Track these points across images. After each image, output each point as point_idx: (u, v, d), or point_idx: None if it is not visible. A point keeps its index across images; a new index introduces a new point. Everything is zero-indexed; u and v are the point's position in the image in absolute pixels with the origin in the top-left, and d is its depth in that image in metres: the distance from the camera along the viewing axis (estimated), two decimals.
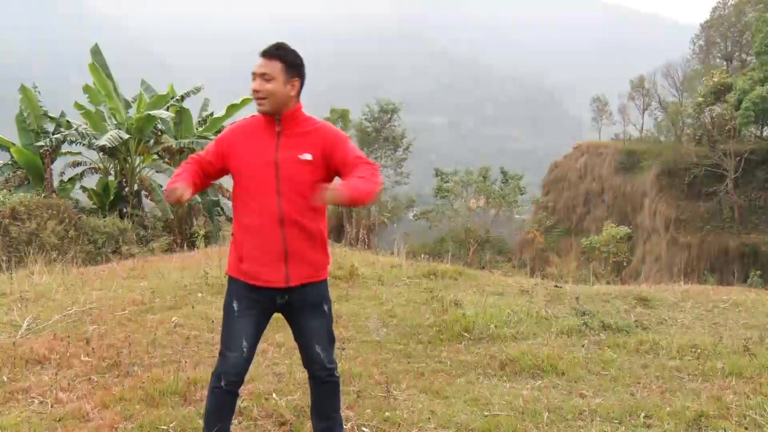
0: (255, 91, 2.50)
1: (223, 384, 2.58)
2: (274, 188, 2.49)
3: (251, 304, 2.59)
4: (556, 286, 7.21)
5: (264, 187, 2.50)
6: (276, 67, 2.49)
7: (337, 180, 2.58)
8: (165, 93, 17.56)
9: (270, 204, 2.49)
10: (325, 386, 2.74)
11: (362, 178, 2.44)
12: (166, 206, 15.62)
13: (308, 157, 2.52)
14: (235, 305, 2.59)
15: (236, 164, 2.56)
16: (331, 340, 2.73)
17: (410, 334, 5.04)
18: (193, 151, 16.93)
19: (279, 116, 2.54)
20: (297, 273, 2.55)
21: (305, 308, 2.64)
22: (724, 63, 44.61)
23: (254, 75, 2.51)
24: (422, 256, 9.88)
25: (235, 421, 3.17)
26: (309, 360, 2.72)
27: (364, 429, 3.20)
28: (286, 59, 2.51)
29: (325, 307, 2.68)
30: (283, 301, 2.60)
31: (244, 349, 2.58)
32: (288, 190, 2.50)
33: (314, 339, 2.67)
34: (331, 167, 2.57)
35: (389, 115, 30.72)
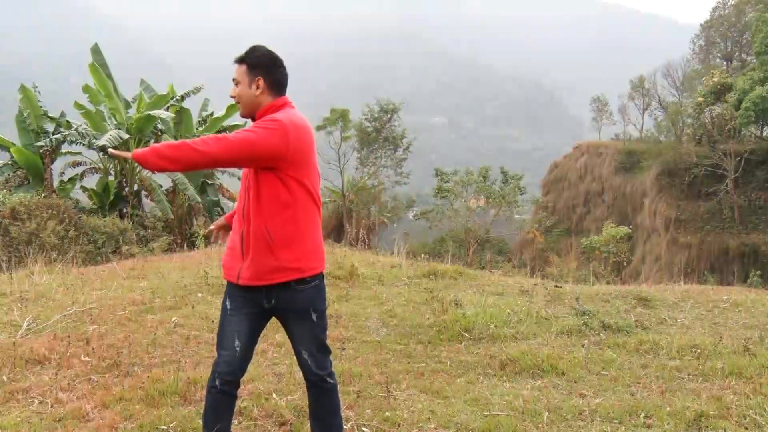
0: (231, 97, 2.63)
1: (217, 383, 2.59)
2: (245, 187, 2.59)
3: (243, 303, 2.60)
4: (556, 286, 7.20)
5: (242, 186, 2.62)
6: (241, 71, 2.57)
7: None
8: (165, 93, 17.57)
9: (242, 202, 2.59)
10: (315, 390, 2.72)
11: (176, 141, 2.36)
12: (166, 206, 15.62)
13: None
14: (228, 303, 2.62)
15: None
16: (320, 347, 2.65)
17: (410, 334, 5.04)
18: None
19: (254, 118, 2.60)
20: (247, 272, 2.55)
21: (291, 314, 2.62)
22: (724, 63, 44.61)
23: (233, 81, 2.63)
24: (422, 256, 9.87)
25: (235, 421, 3.17)
26: (299, 364, 2.72)
27: (364, 429, 3.20)
28: (248, 61, 2.57)
29: (313, 315, 2.60)
30: (270, 306, 2.59)
31: (237, 348, 2.57)
32: (251, 189, 2.55)
33: (300, 344, 2.65)
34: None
35: (389, 115, 30.70)
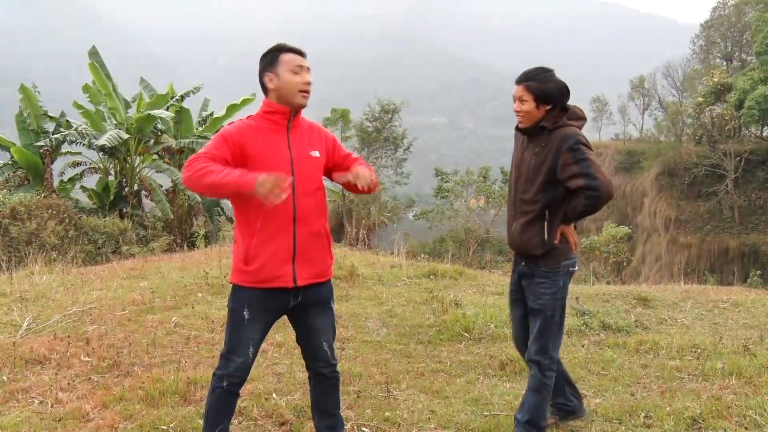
0: (308, 84, 2.55)
1: (225, 384, 2.59)
2: (290, 186, 2.48)
3: (264, 312, 2.58)
4: None
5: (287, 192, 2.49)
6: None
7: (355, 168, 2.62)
8: (165, 93, 17.55)
9: (285, 202, 2.47)
10: (328, 382, 2.76)
11: (370, 168, 2.64)
12: (166, 206, 15.61)
13: (317, 153, 2.61)
14: (246, 313, 2.55)
15: (247, 163, 2.48)
16: (335, 335, 2.81)
17: (410, 334, 5.04)
18: (193, 151, 16.90)
19: (296, 112, 2.59)
20: (304, 273, 2.56)
21: (316, 306, 2.66)
22: (724, 63, 44.63)
23: (303, 68, 2.54)
24: (422, 256, 9.87)
25: (235, 422, 3.17)
26: (314, 358, 2.73)
27: (364, 429, 3.20)
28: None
29: (332, 304, 2.75)
30: (296, 302, 2.61)
31: (251, 355, 2.60)
32: (301, 188, 2.53)
33: (323, 336, 2.70)
34: (328, 164, 2.69)
35: (390, 115, 30.70)
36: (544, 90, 2.79)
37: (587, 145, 2.76)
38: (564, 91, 2.83)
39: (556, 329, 2.93)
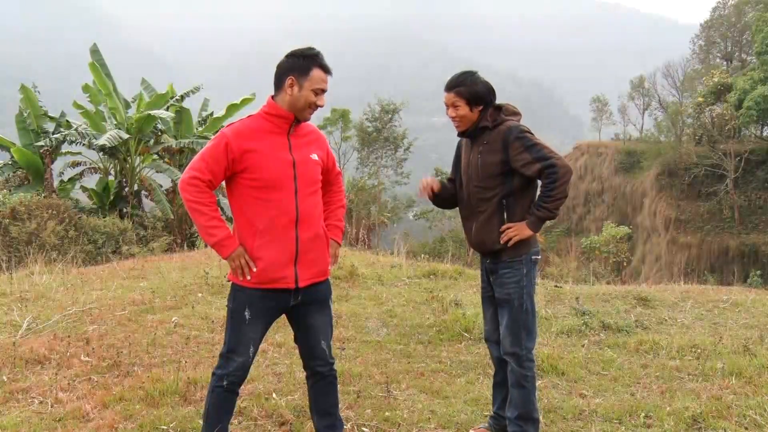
0: (320, 107, 2.66)
1: (225, 384, 2.60)
2: (293, 188, 2.52)
3: (264, 312, 2.60)
4: (556, 286, 7.19)
5: (284, 187, 2.51)
6: None
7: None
8: (165, 93, 17.55)
9: (288, 204, 2.51)
10: (325, 381, 2.77)
11: (341, 220, 2.82)
12: (166, 206, 15.61)
13: (316, 157, 2.65)
14: (247, 313, 2.56)
15: (249, 165, 2.50)
16: (332, 333, 2.83)
17: (410, 334, 5.04)
18: (193, 151, 16.90)
19: (299, 120, 2.62)
20: (305, 273, 2.59)
21: (315, 305, 2.68)
22: (724, 63, 44.65)
23: (323, 91, 2.61)
24: (422, 256, 9.86)
25: (235, 422, 3.17)
26: (312, 357, 2.74)
27: (364, 429, 3.21)
28: None
29: (330, 302, 2.77)
30: (297, 302, 2.63)
31: (251, 354, 2.62)
32: (303, 190, 2.55)
33: (321, 334, 2.72)
34: (322, 169, 2.73)
35: (390, 115, 30.73)
36: (475, 92, 2.89)
37: (531, 132, 2.86)
38: (491, 90, 2.93)
39: (528, 319, 2.92)
